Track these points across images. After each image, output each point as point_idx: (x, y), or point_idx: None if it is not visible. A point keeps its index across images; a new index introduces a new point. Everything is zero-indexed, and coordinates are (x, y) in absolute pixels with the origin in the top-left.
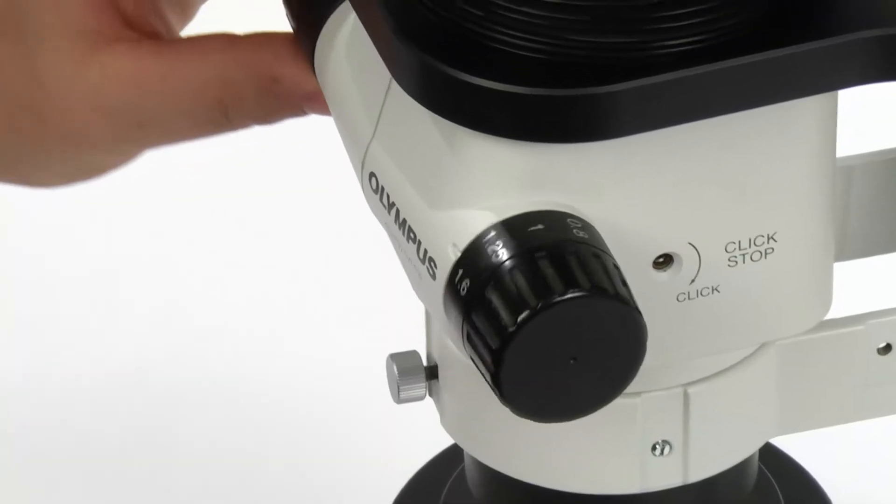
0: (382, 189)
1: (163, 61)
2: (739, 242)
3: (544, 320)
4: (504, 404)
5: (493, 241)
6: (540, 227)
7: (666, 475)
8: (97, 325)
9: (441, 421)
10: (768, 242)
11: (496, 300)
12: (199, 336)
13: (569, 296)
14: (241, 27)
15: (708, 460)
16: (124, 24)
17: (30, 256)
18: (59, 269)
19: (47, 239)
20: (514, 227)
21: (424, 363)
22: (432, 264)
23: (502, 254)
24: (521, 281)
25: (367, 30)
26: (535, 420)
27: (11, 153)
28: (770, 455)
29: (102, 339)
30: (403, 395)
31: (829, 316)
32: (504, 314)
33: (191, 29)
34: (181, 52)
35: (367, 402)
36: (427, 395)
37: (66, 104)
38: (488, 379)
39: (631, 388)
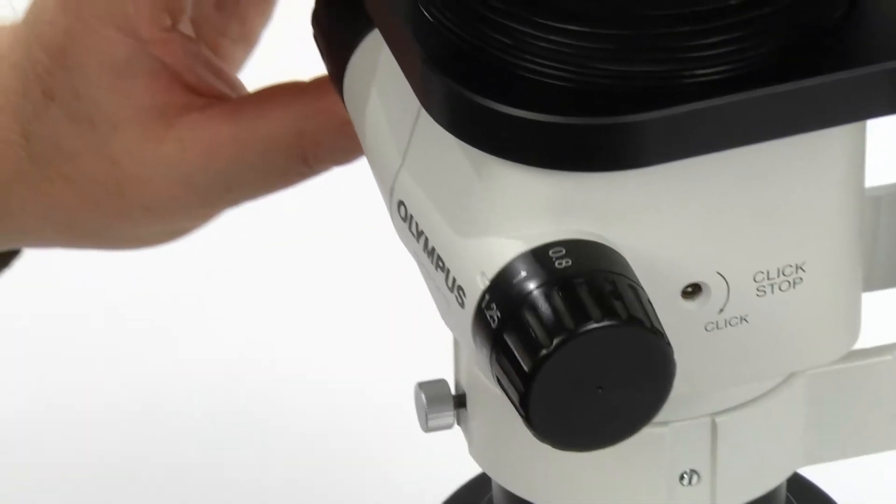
0: (411, 217)
1: (235, 124)
2: (768, 272)
3: (572, 348)
4: (531, 432)
5: (521, 270)
6: (568, 255)
7: None
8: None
9: (469, 449)
10: (797, 272)
11: (525, 328)
12: (225, 366)
13: (592, 325)
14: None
15: (736, 490)
16: (190, 93)
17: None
18: (58, 279)
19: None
20: (542, 256)
21: (453, 392)
22: (461, 292)
23: (531, 282)
24: (548, 309)
25: (396, 58)
26: (562, 448)
27: (96, 226)
28: (797, 484)
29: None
30: (432, 423)
31: (857, 346)
32: (532, 341)
33: None
34: (252, 111)
35: (395, 431)
36: (455, 424)
37: (147, 181)
38: (516, 405)
39: (658, 417)
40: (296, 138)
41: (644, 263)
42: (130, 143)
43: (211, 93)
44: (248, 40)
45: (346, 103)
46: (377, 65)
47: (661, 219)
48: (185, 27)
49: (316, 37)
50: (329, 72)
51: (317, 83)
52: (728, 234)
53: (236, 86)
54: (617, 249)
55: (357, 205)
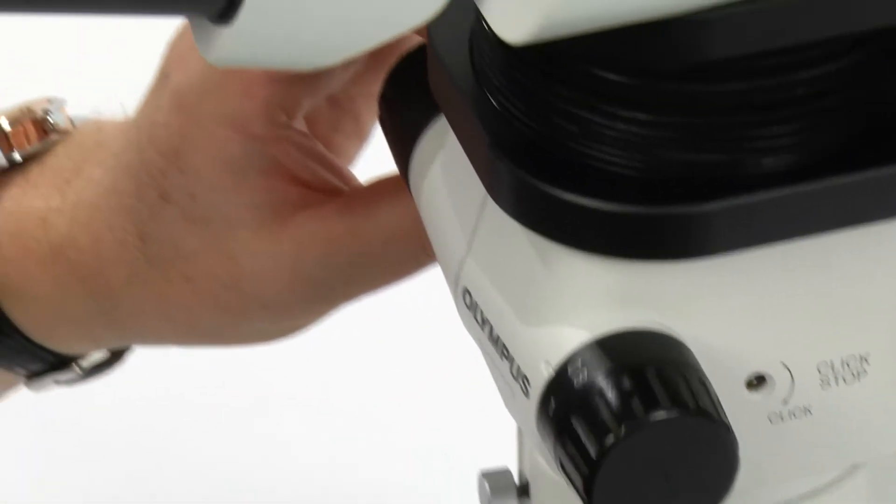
0: (476, 305)
1: (351, 218)
2: (832, 363)
3: (640, 436)
4: None
5: (586, 359)
6: (633, 345)
7: None
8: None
9: None
10: (861, 363)
11: (591, 414)
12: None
13: (662, 413)
14: None
15: None
16: (305, 189)
17: None
18: None
19: None
20: (607, 345)
21: (516, 481)
22: (525, 381)
23: (595, 371)
24: (615, 396)
25: (462, 145)
26: None
27: (215, 325)
28: None
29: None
30: None
31: None
32: (600, 427)
33: None
34: (366, 205)
35: None
36: None
37: (265, 277)
38: (580, 491)
39: None
40: (412, 228)
41: (708, 353)
42: (248, 241)
43: (326, 188)
44: (360, 136)
45: (412, 189)
46: (443, 152)
47: (726, 308)
48: (299, 123)
49: (382, 119)
50: (394, 156)
51: None
52: (792, 324)
53: (350, 180)
54: (681, 339)
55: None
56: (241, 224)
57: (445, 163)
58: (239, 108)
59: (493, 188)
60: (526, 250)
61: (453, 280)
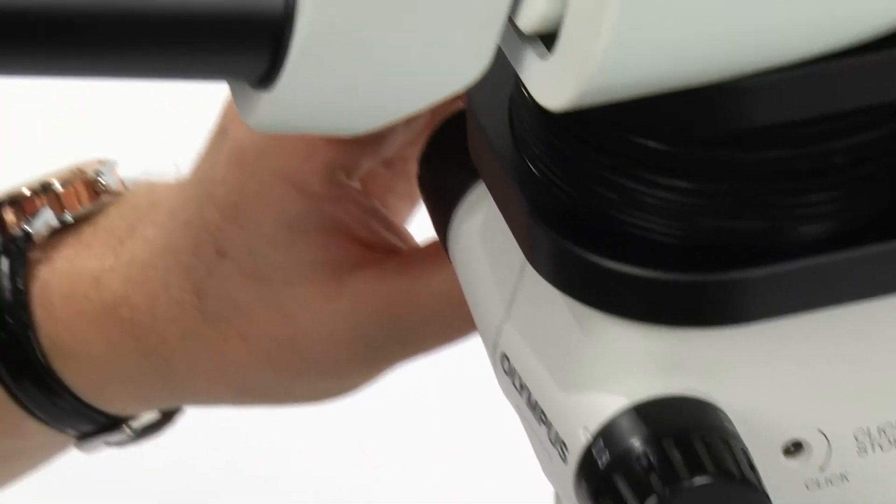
0: (514, 371)
1: (409, 278)
2: (869, 430)
3: (680, 500)
4: None
5: (624, 426)
6: (672, 411)
7: None
8: None
9: None
10: None
11: (632, 480)
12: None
13: (697, 482)
14: None
15: None
16: (362, 248)
17: None
18: None
19: None
20: (645, 411)
21: None
22: (563, 447)
23: (634, 438)
24: (656, 463)
25: (501, 211)
26: None
27: (269, 384)
28: None
29: None
30: None
31: None
32: (641, 493)
33: None
34: (422, 265)
35: None
36: None
37: (321, 336)
38: None
39: None
40: None
41: (746, 419)
42: (304, 299)
43: (383, 247)
44: (413, 198)
45: (450, 253)
46: (482, 217)
47: (764, 375)
48: (355, 182)
49: (421, 182)
50: (433, 220)
51: None
52: (830, 391)
53: (407, 238)
54: (719, 405)
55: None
56: (297, 281)
57: (484, 228)
58: (298, 167)
59: (532, 255)
60: (564, 316)
61: (491, 345)
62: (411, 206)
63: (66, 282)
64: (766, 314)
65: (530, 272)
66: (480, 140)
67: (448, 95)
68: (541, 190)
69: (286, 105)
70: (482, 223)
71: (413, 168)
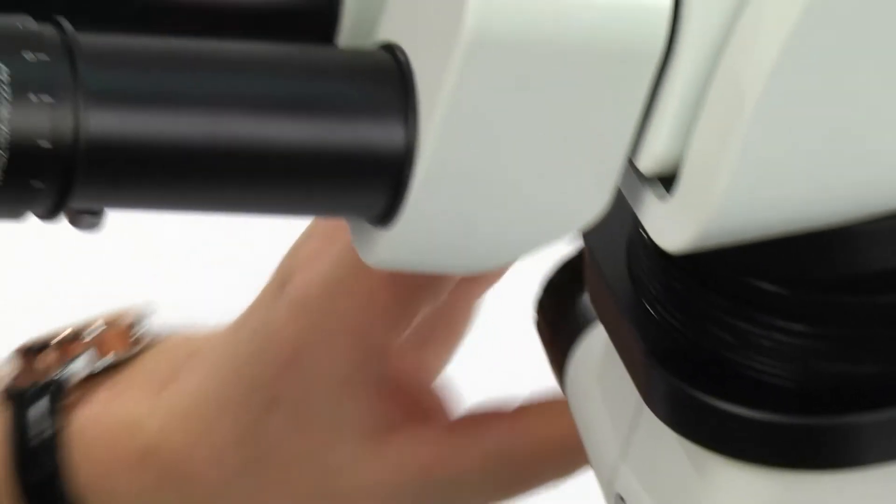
0: None
1: (445, 445)
2: None
3: None
4: None
5: None
6: None
7: None
8: None
9: None
10: None
11: None
12: None
13: None
14: None
15: None
16: (411, 405)
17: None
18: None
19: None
20: None
21: None
22: None
23: None
24: None
25: (618, 352)
26: None
27: None
28: None
29: None
30: None
31: None
32: None
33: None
34: (459, 434)
35: None
36: None
37: (363, 493)
38: None
39: None
40: (500, 460)
41: None
42: (349, 453)
43: (420, 408)
44: (451, 346)
45: (567, 394)
46: (599, 358)
47: None
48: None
49: (539, 326)
50: (550, 361)
51: (524, 411)
52: None
53: (450, 399)
54: None
55: None
56: (344, 435)
57: (601, 369)
58: (360, 321)
59: (649, 396)
60: (681, 458)
61: (606, 484)
62: (446, 356)
63: (101, 426)
64: (884, 458)
65: (647, 413)
66: (598, 281)
67: (569, 234)
68: (658, 331)
69: (406, 243)
70: (599, 364)
71: (456, 314)
